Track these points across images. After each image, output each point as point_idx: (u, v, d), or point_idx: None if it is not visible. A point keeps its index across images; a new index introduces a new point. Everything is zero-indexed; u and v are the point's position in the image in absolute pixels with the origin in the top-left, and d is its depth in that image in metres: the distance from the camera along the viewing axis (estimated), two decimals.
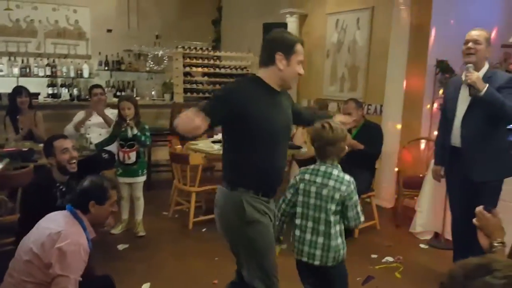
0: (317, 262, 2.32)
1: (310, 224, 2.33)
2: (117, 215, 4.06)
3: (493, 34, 4.77)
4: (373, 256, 3.85)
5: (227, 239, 2.26)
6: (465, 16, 4.89)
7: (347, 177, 2.32)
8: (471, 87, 2.86)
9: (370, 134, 4.38)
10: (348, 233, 4.17)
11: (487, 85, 2.81)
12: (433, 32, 4.93)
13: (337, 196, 2.27)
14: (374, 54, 5.61)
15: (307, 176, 2.36)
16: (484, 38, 2.94)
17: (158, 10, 7.89)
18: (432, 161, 4.30)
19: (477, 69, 2.94)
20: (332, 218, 2.29)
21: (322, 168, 2.34)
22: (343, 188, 2.27)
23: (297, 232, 2.38)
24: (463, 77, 2.96)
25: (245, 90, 2.15)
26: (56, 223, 2.16)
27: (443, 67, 4.86)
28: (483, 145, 2.95)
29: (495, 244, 1.79)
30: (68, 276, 2.05)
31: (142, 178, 4.15)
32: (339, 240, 2.33)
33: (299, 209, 2.37)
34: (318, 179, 2.32)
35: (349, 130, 4.47)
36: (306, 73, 7.28)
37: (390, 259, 3.79)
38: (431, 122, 5.08)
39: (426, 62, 4.98)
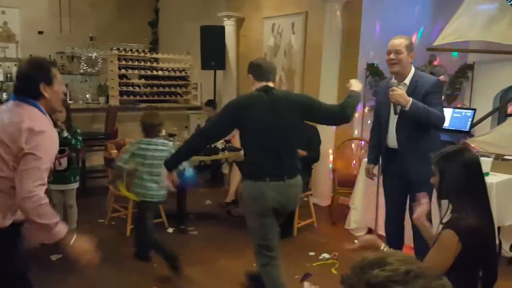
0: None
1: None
2: None
3: (419, 37, 5.05)
4: (311, 253, 3.97)
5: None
6: (392, 20, 5.16)
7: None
8: (396, 104, 2.98)
9: (308, 136, 4.51)
10: (287, 232, 4.33)
11: (411, 100, 2.89)
12: (363, 37, 5.16)
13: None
14: (309, 58, 5.78)
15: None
16: (404, 46, 3.00)
17: (92, 11, 7.63)
18: (364, 160, 4.52)
19: (403, 76, 3.04)
20: None
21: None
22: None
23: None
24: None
25: None
26: (13, 113, 1.94)
27: (373, 71, 5.10)
28: (418, 146, 3.02)
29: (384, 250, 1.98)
30: (40, 157, 1.85)
31: (74, 185, 4.02)
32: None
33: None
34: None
35: None
36: (245, 76, 7.30)
37: (326, 255, 3.92)
38: (362, 123, 5.31)
39: (357, 65, 5.20)
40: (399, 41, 3.03)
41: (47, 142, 1.92)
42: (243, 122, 2.69)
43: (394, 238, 3.33)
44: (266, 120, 2.64)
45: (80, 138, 3.94)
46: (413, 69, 3.08)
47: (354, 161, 5.26)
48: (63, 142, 3.81)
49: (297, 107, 2.72)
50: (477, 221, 1.85)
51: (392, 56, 3.02)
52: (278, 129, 2.66)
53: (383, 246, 2.00)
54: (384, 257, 0.93)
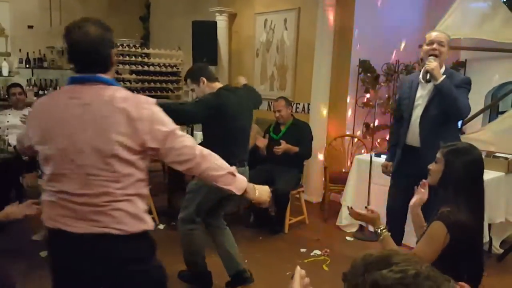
0: None
1: None
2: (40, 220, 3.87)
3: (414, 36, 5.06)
4: (302, 250, 3.96)
5: None
6: (385, 17, 5.17)
7: None
8: (429, 74, 2.90)
9: (300, 133, 4.50)
10: (279, 228, 4.33)
11: (445, 76, 2.87)
12: (355, 33, 5.15)
13: None
14: (301, 54, 5.76)
15: None
16: (446, 41, 2.97)
17: (82, 6, 7.54)
18: (357, 156, 4.53)
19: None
20: None
21: None
22: None
23: None
24: (422, 72, 3.01)
25: None
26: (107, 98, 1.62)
27: (366, 67, 5.10)
28: (439, 144, 2.98)
29: (379, 231, 2.02)
30: (174, 128, 1.68)
31: None
32: None
33: None
34: None
35: (278, 128, 4.58)
36: (237, 72, 7.27)
37: (318, 252, 3.91)
38: (354, 119, 5.31)
39: (350, 62, 5.20)
40: (443, 35, 2.98)
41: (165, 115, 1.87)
42: (219, 118, 2.91)
43: (393, 238, 3.29)
44: (238, 116, 3.02)
45: None
46: (444, 66, 3.03)
47: (346, 158, 5.26)
48: None
49: (250, 103, 3.26)
50: (467, 217, 1.87)
51: (435, 46, 2.94)
52: (246, 124, 3.14)
53: (382, 228, 2.04)
54: (389, 256, 0.91)
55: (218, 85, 3.07)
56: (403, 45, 5.44)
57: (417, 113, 3.05)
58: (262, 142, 4.48)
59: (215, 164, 1.73)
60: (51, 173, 1.62)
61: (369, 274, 0.88)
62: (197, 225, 3.05)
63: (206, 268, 3.14)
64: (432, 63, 2.87)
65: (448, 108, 2.89)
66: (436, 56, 2.93)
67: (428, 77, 2.93)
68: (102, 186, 1.57)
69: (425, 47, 3.01)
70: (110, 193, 1.57)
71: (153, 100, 1.68)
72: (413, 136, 3.07)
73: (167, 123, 1.66)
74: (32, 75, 7.01)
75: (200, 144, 1.80)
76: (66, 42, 1.68)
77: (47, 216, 1.63)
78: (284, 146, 4.27)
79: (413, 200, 2.22)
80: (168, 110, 1.77)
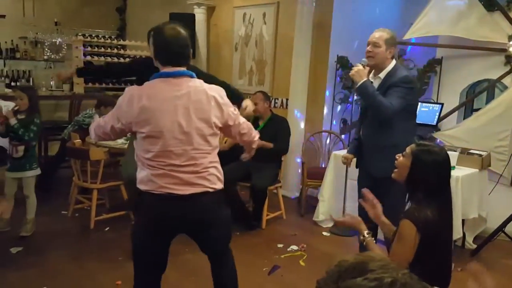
0: None
1: None
2: None
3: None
4: (279, 245, 3.95)
5: None
6: (363, 14, 5.18)
7: None
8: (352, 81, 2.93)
9: (278, 128, 4.47)
10: (256, 224, 4.31)
11: (364, 79, 2.83)
12: (334, 29, 5.15)
13: None
14: (280, 49, 5.73)
15: None
16: (384, 40, 2.89)
17: None
18: (333, 152, 4.54)
19: (380, 70, 2.94)
20: None
21: None
22: None
23: None
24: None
25: None
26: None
27: (343, 63, 5.11)
28: (380, 141, 2.92)
29: (363, 238, 2.01)
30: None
31: (31, 173, 3.83)
32: None
33: None
34: None
35: (257, 123, 4.55)
36: (215, 65, 7.23)
37: (295, 247, 3.91)
38: (332, 115, 5.32)
39: (328, 58, 5.20)
40: (379, 34, 2.92)
41: None
42: None
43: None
44: None
45: (34, 128, 3.76)
46: (392, 65, 2.95)
47: (323, 154, 5.27)
48: (12, 130, 3.68)
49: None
50: (436, 214, 1.86)
51: (369, 48, 2.93)
52: None
53: (366, 233, 2.03)
54: (364, 262, 0.86)
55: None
56: None
57: (364, 110, 3.11)
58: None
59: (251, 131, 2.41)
60: (160, 150, 2.00)
61: (343, 282, 0.84)
62: None
63: None
64: (353, 69, 2.90)
65: (369, 108, 2.95)
66: (371, 57, 2.92)
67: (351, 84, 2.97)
68: (202, 157, 2.06)
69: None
70: (207, 162, 2.08)
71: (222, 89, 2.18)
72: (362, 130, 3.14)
73: (232, 105, 2.21)
74: (4, 66, 6.79)
75: None
76: (157, 41, 2.09)
77: (157, 185, 2.01)
78: (258, 142, 4.22)
79: (372, 215, 2.19)
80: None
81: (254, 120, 4.61)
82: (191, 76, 2.09)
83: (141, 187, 2.07)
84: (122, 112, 2.05)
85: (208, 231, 2.19)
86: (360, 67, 2.90)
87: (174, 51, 2.07)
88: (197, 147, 2.04)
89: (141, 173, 2.07)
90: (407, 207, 1.97)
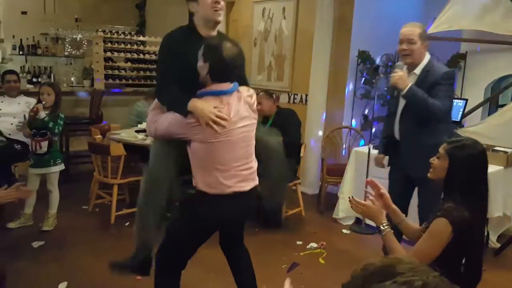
0: None
1: None
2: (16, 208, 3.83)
3: None
4: (298, 242, 3.92)
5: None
6: (384, 8, 5.09)
7: None
8: (395, 88, 2.83)
9: (284, 122, 4.40)
10: (275, 221, 4.28)
11: (410, 84, 2.74)
12: (355, 24, 5.07)
13: None
14: (300, 44, 5.67)
15: None
16: (418, 35, 2.76)
17: None
18: (354, 149, 4.48)
19: (414, 66, 2.84)
20: None
21: None
22: None
23: None
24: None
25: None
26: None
27: (364, 58, 5.03)
28: (419, 142, 2.82)
29: (382, 228, 1.94)
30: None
31: (55, 168, 3.89)
32: None
33: None
34: None
35: (266, 120, 4.50)
36: None
37: (314, 245, 3.88)
38: (352, 111, 5.25)
39: (349, 52, 5.12)
40: (412, 30, 2.77)
41: None
42: None
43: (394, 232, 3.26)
44: None
45: (61, 122, 3.82)
46: (427, 58, 2.83)
47: (343, 150, 5.21)
48: (42, 124, 3.70)
49: None
50: (472, 214, 1.83)
51: (404, 46, 2.78)
52: None
53: (385, 224, 1.96)
54: (392, 265, 0.82)
55: None
56: None
57: (400, 107, 2.96)
58: None
59: None
60: (228, 153, 2.17)
61: (370, 286, 0.81)
62: None
63: None
64: (394, 76, 2.78)
65: (420, 114, 2.80)
66: (407, 55, 2.81)
67: (394, 92, 2.89)
68: (252, 155, 2.29)
69: (398, 47, 2.88)
70: (254, 159, 2.31)
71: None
72: (397, 130, 3.01)
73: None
74: (26, 62, 6.89)
75: None
76: (216, 58, 2.08)
77: (225, 186, 2.17)
78: None
79: (380, 205, 2.10)
80: None
81: (264, 119, 4.56)
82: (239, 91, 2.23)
83: (209, 190, 2.18)
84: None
85: (244, 225, 2.48)
86: (400, 72, 2.78)
87: (234, 68, 2.15)
88: (250, 148, 2.28)
89: (208, 178, 2.17)
90: (444, 207, 1.92)
